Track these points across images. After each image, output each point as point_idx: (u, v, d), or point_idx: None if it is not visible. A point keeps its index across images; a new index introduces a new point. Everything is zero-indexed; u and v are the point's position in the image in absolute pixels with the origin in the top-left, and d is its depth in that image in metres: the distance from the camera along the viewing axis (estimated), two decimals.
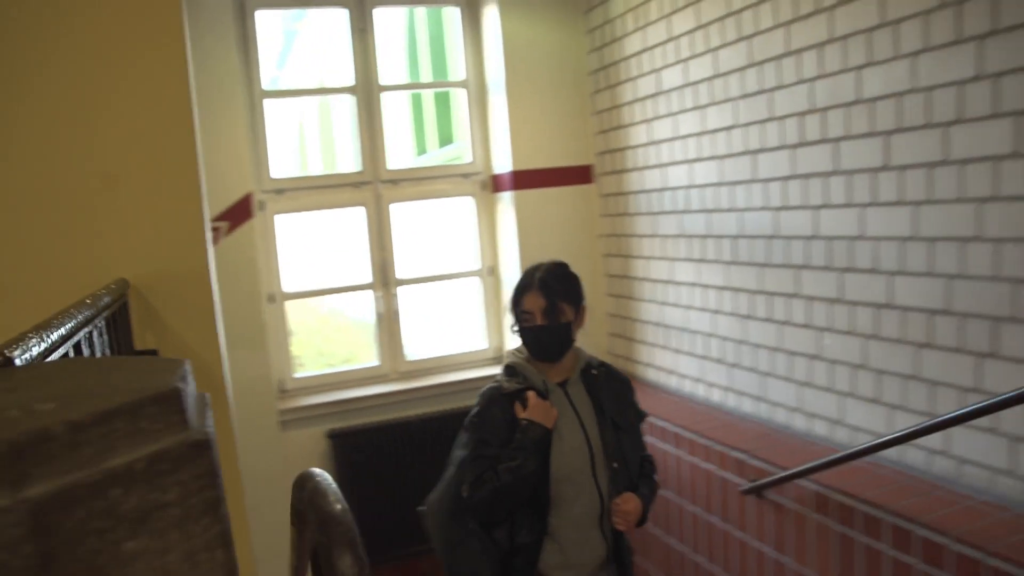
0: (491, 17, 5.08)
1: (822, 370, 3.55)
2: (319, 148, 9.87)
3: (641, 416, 2.51)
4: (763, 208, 3.83)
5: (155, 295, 2.10)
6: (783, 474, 3.29)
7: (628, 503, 2.27)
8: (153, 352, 1.95)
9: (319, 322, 5.78)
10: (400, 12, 6.32)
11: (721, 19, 3.96)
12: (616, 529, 2.29)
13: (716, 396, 4.31)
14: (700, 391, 4.45)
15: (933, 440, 2.98)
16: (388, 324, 5.11)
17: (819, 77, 3.42)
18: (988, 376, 2.79)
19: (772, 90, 3.69)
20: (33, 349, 1.01)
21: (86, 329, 1.45)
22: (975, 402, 2.64)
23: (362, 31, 4.95)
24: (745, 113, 3.89)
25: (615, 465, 2.29)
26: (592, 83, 5.22)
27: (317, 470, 0.94)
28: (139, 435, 0.61)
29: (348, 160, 5.57)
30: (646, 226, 4.81)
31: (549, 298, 2.32)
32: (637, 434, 2.43)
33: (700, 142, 4.24)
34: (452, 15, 5.37)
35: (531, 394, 2.25)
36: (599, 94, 5.16)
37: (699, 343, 4.42)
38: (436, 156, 6.74)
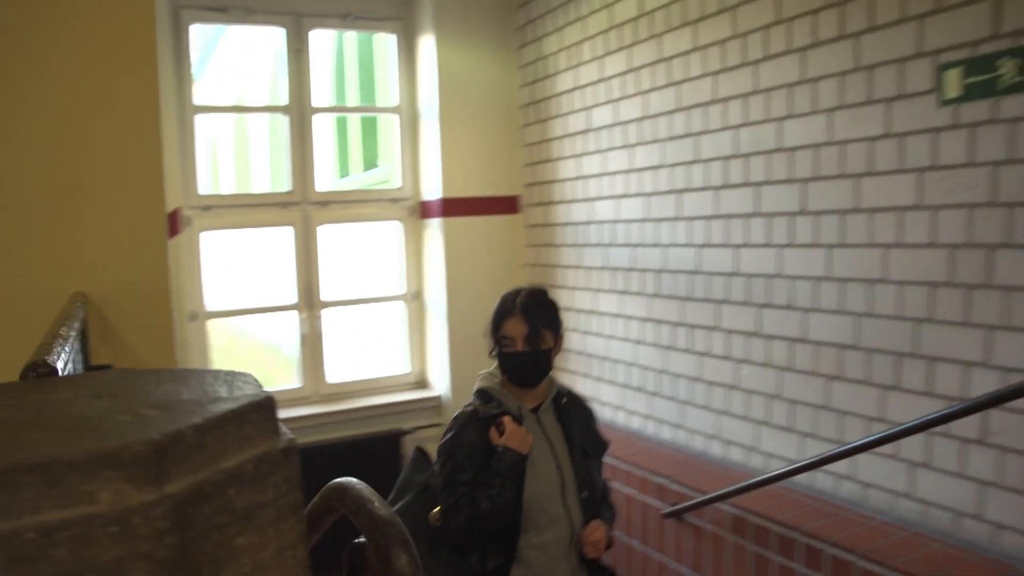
0: (427, 46, 5.19)
1: (739, 399, 3.76)
2: (233, 166, 9.70)
3: (604, 445, 2.52)
4: (687, 245, 4.04)
5: (112, 309, 2.08)
6: (702, 498, 3.46)
7: (596, 532, 2.28)
8: (108, 367, 1.93)
9: (239, 342, 5.69)
10: (328, 36, 6.34)
11: (652, 64, 4.19)
12: (587, 558, 2.30)
13: (636, 423, 4.49)
14: (620, 418, 4.61)
15: (841, 466, 3.21)
16: (311, 346, 5.09)
17: (743, 125, 3.67)
18: (891, 406, 3.05)
19: (699, 134, 3.93)
20: (60, 360, 1.03)
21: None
22: (879, 431, 2.88)
23: (298, 51, 4.97)
24: (672, 154, 4.11)
25: (584, 494, 2.31)
26: (523, 116, 5.39)
27: (349, 479, 1.01)
28: (245, 440, 0.68)
29: (265, 179, 5.56)
30: (572, 257, 4.97)
31: (531, 324, 2.32)
32: (600, 462, 2.46)
33: (628, 179, 4.44)
34: (384, 41, 5.45)
35: (507, 419, 2.24)
36: (529, 127, 5.33)
37: (620, 372, 4.59)
38: (360, 179, 6.76)
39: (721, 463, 3.86)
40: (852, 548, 2.85)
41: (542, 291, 2.46)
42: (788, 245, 3.49)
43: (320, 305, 5.12)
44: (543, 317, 2.35)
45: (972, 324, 2.78)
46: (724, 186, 3.80)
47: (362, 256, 5.77)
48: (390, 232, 5.49)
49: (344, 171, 7.51)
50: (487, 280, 5.32)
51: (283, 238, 5.07)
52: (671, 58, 4.06)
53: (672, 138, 4.10)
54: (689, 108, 3.98)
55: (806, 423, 3.41)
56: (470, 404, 2.39)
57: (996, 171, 2.71)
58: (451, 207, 5.22)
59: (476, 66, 5.26)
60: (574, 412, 2.41)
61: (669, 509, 3.67)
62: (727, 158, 3.78)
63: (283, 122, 4.99)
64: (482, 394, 2.35)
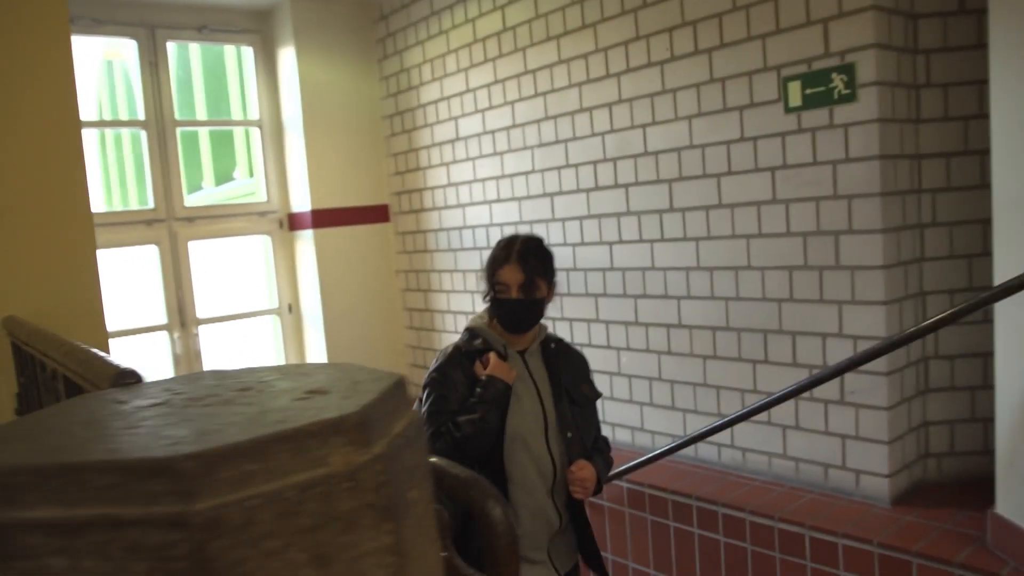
0: (287, 58, 5.18)
1: (622, 384, 4.08)
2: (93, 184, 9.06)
3: (596, 394, 2.51)
4: (562, 244, 4.32)
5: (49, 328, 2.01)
6: None
7: (583, 470, 2.25)
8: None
9: None
10: (171, 48, 6.16)
11: (517, 76, 4.43)
12: (573, 498, 2.28)
13: None
14: None
15: (722, 436, 3.59)
16: (188, 366, 4.96)
17: (609, 132, 3.98)
18: (762, 378, 3.45)
19: (567, 141, 4.21)
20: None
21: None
22: (753, 402, 3.27)
23: (153, 64, 4.81)
24: (542, 160, 4.37)
25: (569, 435, 2.29)
26: (388, 127, 5.48)
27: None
28: (399, 411, 0.82)
29: (116, 195, 5.35)
30: (447, 262, 5.14)
31: (527, 273, 2.28)
32: (592, 410, 2.45)
33: (499, 185, 4.66)
34: (237, 53, 5.37)
35: (492, 354, 2.25)
36: (395, 137, 5.43)
37: None
38: (214, 193, 6.56)
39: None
40: (741, 506, 3.22)
41: (539, 240, 2.42)
42: (658, 240, 3.83)
43: (195, 322, 4.99)
44: (538, 267, 2.32)
45: (826, 301, 3.22)
46: (595, 188, 4.11)
47: (233, 271, 5.66)
48: (259, 246, 5.42)
49: (195, 186, 7.27)
50: (361, 289, 5.40)
51: (149, 256, 4.91)
52: (536, 70, 4.32)
53: (541, 145, 4.36)
54: (556, 117, 4.25)
55: (686, 400, 3.78)
56: (457, 342, 2.38)
57: (835, 168, 3.14)
58: (321, 218, 5.24)
59: (338, 78, 5.30)
60: (563, 358, 2.41)
61: None
62: (596, 162, 4.08)
63: (142, 137, 4.82)
64: (469, 332, 2.34)
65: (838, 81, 3.10)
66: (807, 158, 3.23)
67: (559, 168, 4.28)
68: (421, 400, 2.29)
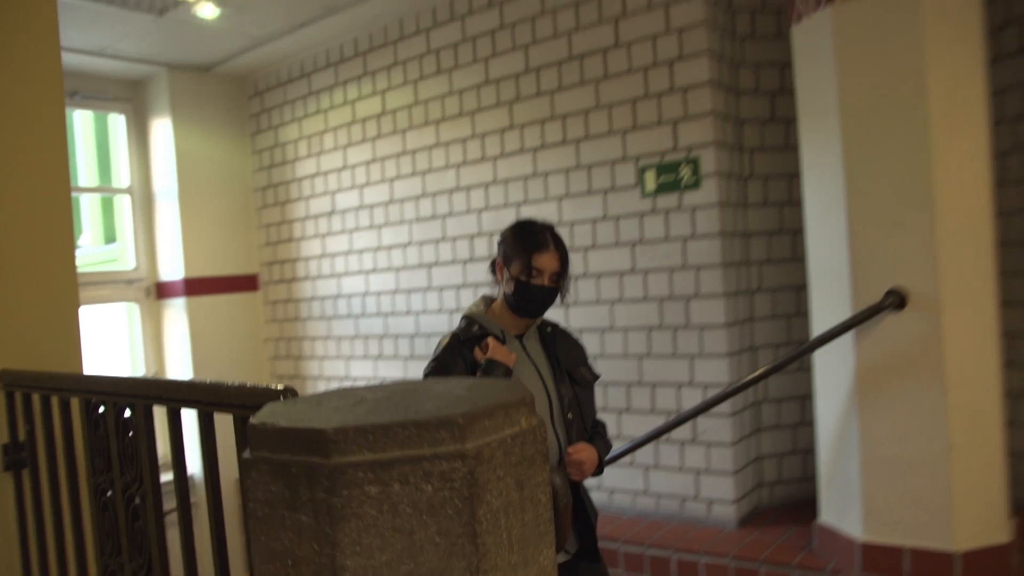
0: (162, 128, 5.28)
1: None
2: None
3: (595, 376, 2.47)
4: (439, 311, 4.69)
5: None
6: None
7: (581, 452, 2.22)
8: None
9: None
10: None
11: (396, 156, 4.83)
12: (572, 480, 2.24)
13: None
14: None
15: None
16: None
17: (485, 209, 4.45)
18: (626, 425, 3.96)
19: (444, 216, 4.63)
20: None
21: None
22: (618, 447, 3.76)
23: None
24: (420, 233, 4.76)
25: (569, 416, 2.28)
26: (260, 198, 5.67)
27: None
28: (511, 419, 1.18)
29: None
30: (320, 329, 5.35)
31: (563, 263, 2.28)
32: (590, 393, 2.42)
33: (376, 256, 4.99)
34: (117, 121, 5.39)
35: (490, 339, 2.24)
36: (267, 209, 5.62)
37: None
38: (88, 256, 6.35)
39: None
40: (614, 538, 3.67)
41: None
42: None
43: None
44: (567, 256, 2.32)
45: (679, 355, 3.79)
46: (471, 260, 4.54)
47: (95, 339, 5.53)
48: (123, 314, 5.37)
49: None
50: (230, 357, 5.47)
51: None
52: (415, 151, 4.74)
53: (419, 220, 4.75)
54: (434, 194, 4.67)
55: None
56: (455, 330, 2.37)
57: (685, 244, 3.77)
58: (193, 286, 5.30)
59: (211, 149, 5.45)
60: (560, 341, 2.39)
61: None
62: (472, 236, 4.52)
63: None
64: (467, 319, 2.34)
65: (685, 171, 3.76)
66: (661, 235, 3.84)
67: (437, 241, 4.68)
68: None
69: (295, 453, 0.89)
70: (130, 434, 1.69)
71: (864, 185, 3.02)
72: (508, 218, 4.34)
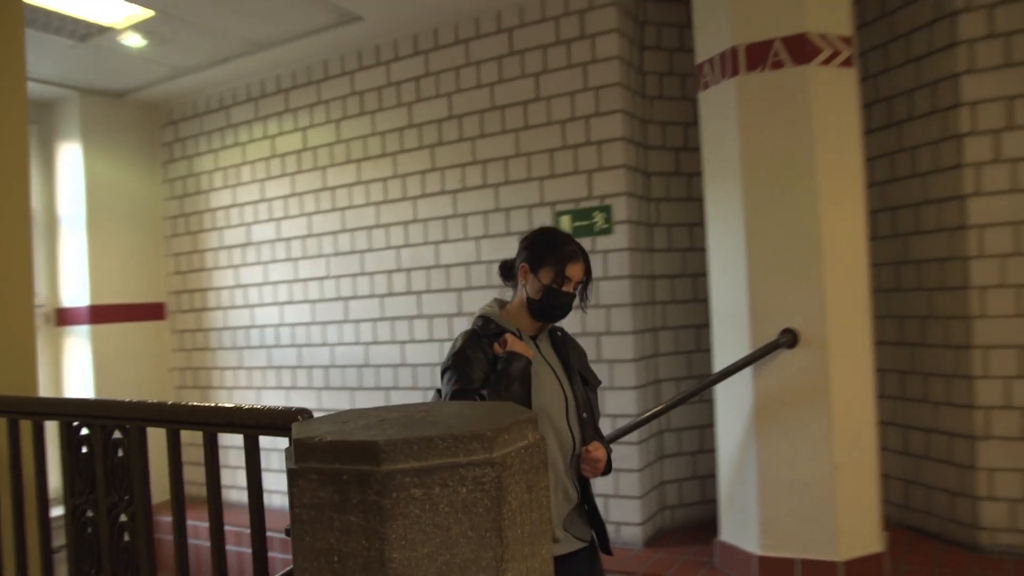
0: (70, 153, 5.19)
1: None
2: None
3: (598, 381, 2.56)
4: (355, 343, 4.81)
5: None
6: None
7: (597, 451, 2.29)
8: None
9: None
10: None
11: (316, 192, 4.94)
12: (582, 477, 2.33)
13: None
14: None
15: None
16: None
17: (404, 246, 4.63)
18: None
19: (363, 252, 4.77)
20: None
21: None
22: None
23: None
24: (337, 267, 4.87)
25: (584, 415, 2.36)
26: (170, 227, 5.63)
27: None
28: (523, 434, 1.38)
29: None
30: (231, 359, 5.34)
31: (588, 273, 2.40)
32: (596, 395, 2.51)
33: (292, 288, 5.06)
34: None
35: (509, 335, 2.32)
36: (177, 238, 5.59)
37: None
38: None
39: None
40: None
41: None
42: (447, 340, 4.49)
43: None
44: (591, 269, 2.45)
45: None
46: (389, 294, 4.69)
47: None
48: None
49: None
50: (136, 385, 5.37)
51: None
52: (335, 188, 4.87)
53: (337, 254, 4.87)
54: (354, 230, 4.81)
55: None
56: (472, 327, 2.43)
57: (597, 284, 4.05)
58: (98, 314, 5.20)
59: (122, 176, 5.40)
60: (570, 344, 2.49)
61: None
62: (391, 272, 4.68)
63: None
64: (482, 319, 2.41)
65: (599, 218, 4.06)
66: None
67: (355, 275, 4.81)
68: (443, 383, 2.31)
69: (346, 463, 1.07)
70: (119, 454, 1.77)
71: (762, 237, 3.39)
72: (427, 255, 4.53)
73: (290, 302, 5.08)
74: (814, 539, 3.24)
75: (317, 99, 4.95)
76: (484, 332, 2.33)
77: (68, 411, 1.90)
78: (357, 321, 4.82)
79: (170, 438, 1.72)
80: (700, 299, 4.22)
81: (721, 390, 3.60)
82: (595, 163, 4.06)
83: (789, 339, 3.27)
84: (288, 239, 5.08)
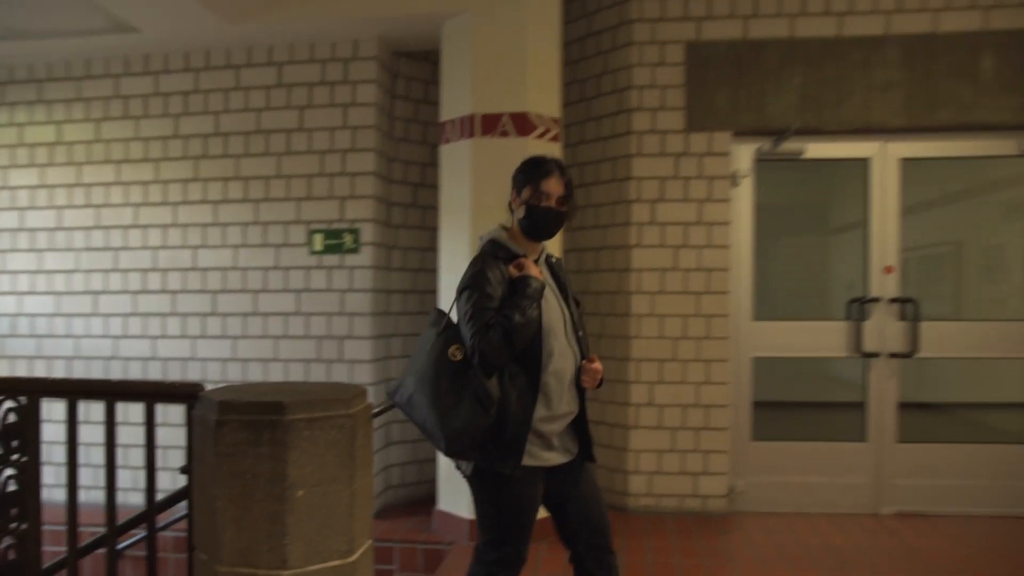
0: None
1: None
2: None
3: (582, 305, 2.73)
4: (103, 336, 5.02)
5: None
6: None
7: (596, 363, 2.50)
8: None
9: None
10: None
11: (70, 186, 5.07)
12: (583, 386, 2.52)
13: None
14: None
15: None
16: None
17: (162, 248, 4.96)
18: None
19: (118, 249, 5.01)
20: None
21: None
22: None
23: None
24: (88, 262, 5.05)
25: (580, 333, 2.55)
26: None
27: None
28: (360, 400, 2.09)
29: None
30: None
31: (567, 187, 2.51)
32: (583, 318, 2.68)
33: (35, 279, 5.12)
34: None
35: (525, 259, 2.46)
36: None
37: None
38: None
39: None
40: None
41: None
42: (200, 336, 4.90)
43: None
44: (571, 184, 2.56)
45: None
46: (142, 291, 4.98)
47: None
48: None
49: None
50: None
51: None
52: (91, 185, 5.05)
53: (89, 249, 5.05)
54: (109, 228, 5.03)
55: None
56: (484, 250, 2.56)
57: (343, 296, 4.74)
58: None
59: None
60: (558, 270, 2.65)
61: None
62: (146, 271, 4.98)
63: None
64: (491, 242, 2.55)
65: (348, 238, 4.75)
66: (324, 286, 4.77)
67: (107, 271, 5.03)
68: (460, 302, 2.43)
69: (260, 415, 1.72)
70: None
71: None
72: (185, 258, 4.91)
73: (32, 292, 5.13)
74: None
75: (76, 95, 5.09)
76: (499, 254, 2.49)
77: None
78: (107, 315, 5.03)
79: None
80: (427, 312, 5.06)
81: None
82: (348, 191, 4.74)
83: None
84: (34, 230, 5.13)
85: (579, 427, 2.55)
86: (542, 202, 2.47)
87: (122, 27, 4.62)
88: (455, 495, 4.33)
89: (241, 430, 1.73)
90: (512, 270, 2.43)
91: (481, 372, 2.29)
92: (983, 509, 4.66)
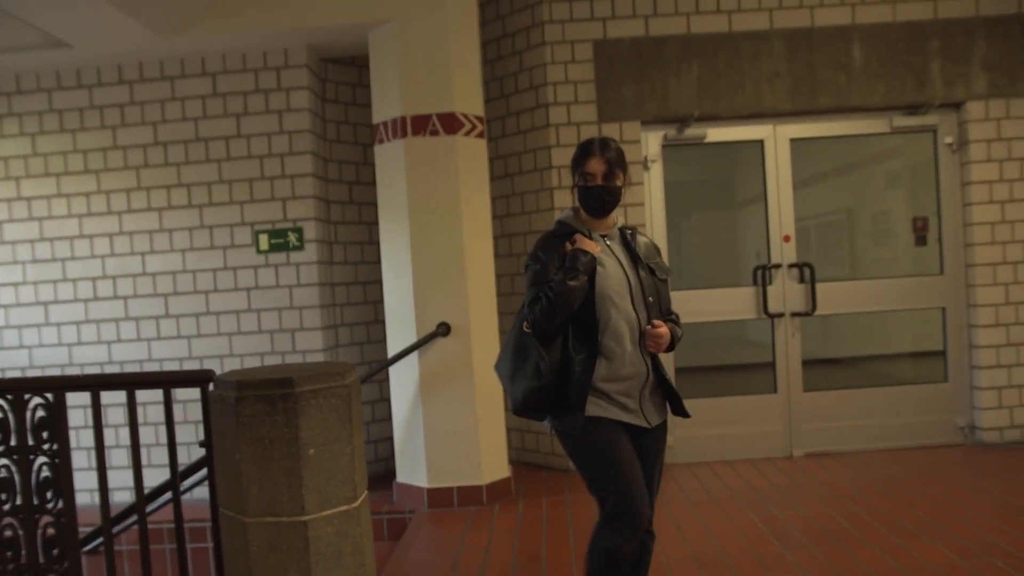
0: None
1: (120, 456, 5.13)
2: None
3: (667, 270, 2.89)
4: (57, 344, 5.19)
5: None
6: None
7: (660, 327, 2.65)
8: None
9: None
10: None
11: (9, 201, 5.19)
12: (650, 352, 2.67)
13: None
14: None
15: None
16: None
17: (110, 255, 5.14)
18: None
19: (65, 260, 5.17)
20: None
21: None
22: None
23: None
24: (35, 274, 5.19)
25: (650, 299, 2.71)
26: None
27: None
28: (351, 374, 2.45)
29: None
30: None
31: (608, 164, 2.69)
32: (667, 287, 2.85)
33: None
34: None
35: (578, 235, 2.70)
36: None
37: None
38: None
39: None
40: None
41: (613, 139, 2.83)
42: (155, 339, 5.13)
43: None
44: (616, 159, 2.73)
45: None
46: (94, 299, 5.17)
47: None
48: None
49: None
50: None
51: None
52: (32, 199, 5.18)
53: (35, 261, 5.20)
54: (54, 239, 5.18)
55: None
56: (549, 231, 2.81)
57: (291, 291, 5.04)
58: None
59: None
60: (639, 240, 2.85)
61: None
62: (95, 279, 5.16)
63: None
64: (558, 223, 2.79)
65: (292, 237, 5.04)
66: (272, 283, 5.05)
67: (56, 282, 5.18)
68: (527, 276, 2.71)
69: (273, 389, 2.08)
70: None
71: (423, 256, 4.66)
72: (134, 264, 5.12)
73: None
74: (465, 471, 4.62)
75: (8, 111, 5.19)
76: (558, 233, 2.74)
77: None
78: (59, 324, 5.20)
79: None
80: (370, 301, 5.41)
81: (394, 370, 4.82)
82: (289, 193, 5.03)
83: (444, 329, 4.59)
84: None
85: (664, 387, 2.73)
86: (588, 182, 2.70)
87: (54, 43, 4.76)
88: (412, 467, 4.72)
89: (258, 403, 2.08)
90: (567, 245, 2.67)
91: (534, 340, 2.59)
92: (881, 444, 5.32)
